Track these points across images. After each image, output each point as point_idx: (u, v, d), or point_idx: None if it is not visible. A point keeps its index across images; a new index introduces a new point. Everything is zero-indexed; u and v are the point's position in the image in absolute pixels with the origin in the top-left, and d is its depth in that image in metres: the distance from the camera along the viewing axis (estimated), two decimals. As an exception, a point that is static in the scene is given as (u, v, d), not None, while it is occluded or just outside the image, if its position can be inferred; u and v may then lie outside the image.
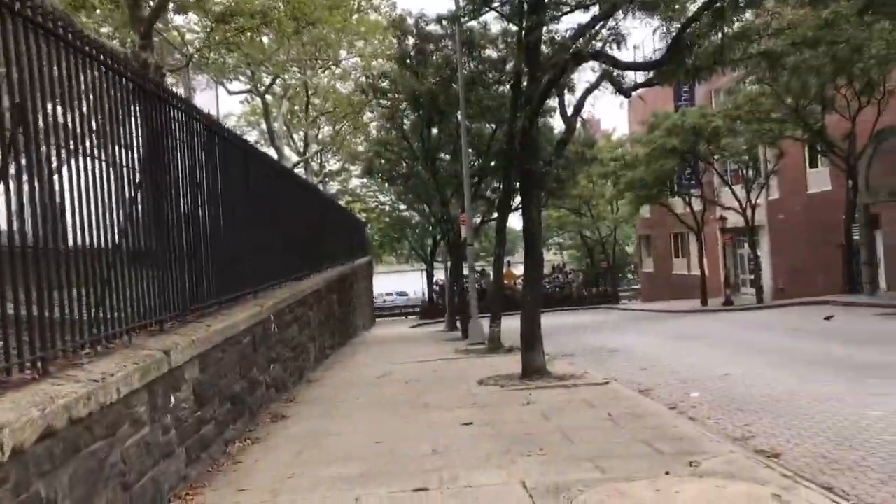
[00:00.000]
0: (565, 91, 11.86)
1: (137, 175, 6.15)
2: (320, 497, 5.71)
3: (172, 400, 6.05)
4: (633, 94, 12.65)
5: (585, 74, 29.97)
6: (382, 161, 24.95)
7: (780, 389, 9.90)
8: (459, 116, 22.59)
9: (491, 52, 21.12)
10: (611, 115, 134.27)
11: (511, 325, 17.36)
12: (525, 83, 12.50)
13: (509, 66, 21.13)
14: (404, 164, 25.47)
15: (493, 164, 24.24)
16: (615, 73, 12.12)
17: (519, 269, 55.51)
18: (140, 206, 6.22)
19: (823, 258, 30.42)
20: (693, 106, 34.43)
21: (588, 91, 11.59)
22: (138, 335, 6.12)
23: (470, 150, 22.28)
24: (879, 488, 5.55)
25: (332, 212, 22.84)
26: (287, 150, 38.68)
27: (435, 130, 23.46)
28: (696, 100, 37.38)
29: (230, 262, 9.39)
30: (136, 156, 6.18)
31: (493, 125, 22.84)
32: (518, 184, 11.04)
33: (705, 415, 8.71)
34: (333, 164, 45.39)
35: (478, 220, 29.60)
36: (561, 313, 39.45)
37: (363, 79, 24.62)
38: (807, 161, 31.66)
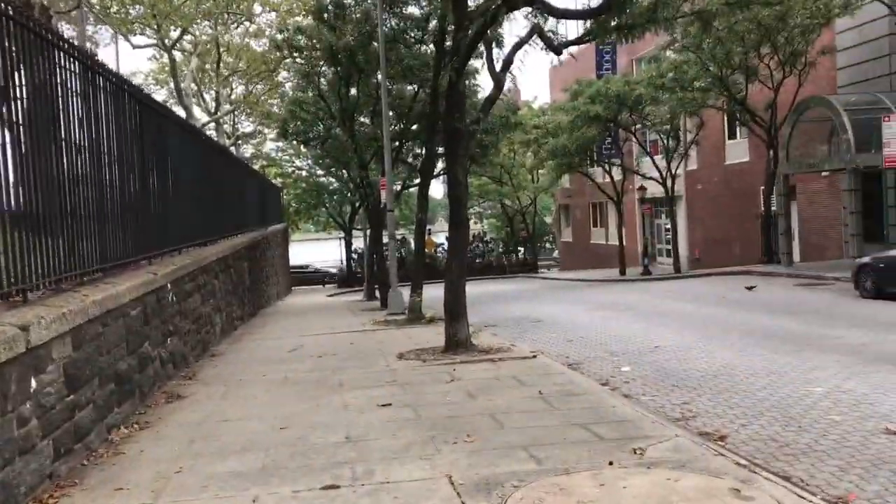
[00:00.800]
0: (493, 46, 11.01)
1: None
2: (211, 497, 4.85)
3: (33, 384, 5.04)
4: (564, 51, 11.95)
5: (515, 27, 29.19)
6: (298, 122, 23.66)
7: (716, 363, 9.49)
8: (380, 76, 21.58)
9: (413, 9, 20.10)
10: (532, 84, 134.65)
11: (431, 294, 16.66)
12: (451, 36, 11.63)
13: (433, 25, 20.20)
14: (321, 126, 24.27)
15: (414, 127, 23.32)
16: (546, 30, 11.41)
17: (439, 238, 54.91)
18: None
19: (740, 229, 30.84)
20: (615, 75, 34.21)
21: (518, 45, 10.82)
22: (-9, 307, 5.10)
23: (391, 112, 21.31)
24: (840, 477, 5.06)
25: (243, 175, 21.54)
26: (197, 111, 36.68)
27: (354, 91, 22.34)
28: (617, 69, 37.22)
29: (120, 225, 8.30)
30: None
31: (415, 86, 21.87)
32: (443, 145, 10.18)
33: (640, 392, 8.19)
34: (247, 127, 43.47)
35: (398, 186, 28.68)
36: (482, 282, 39.05)
37: (278, 35, 23.12)
38: (726, 132, 31.91)
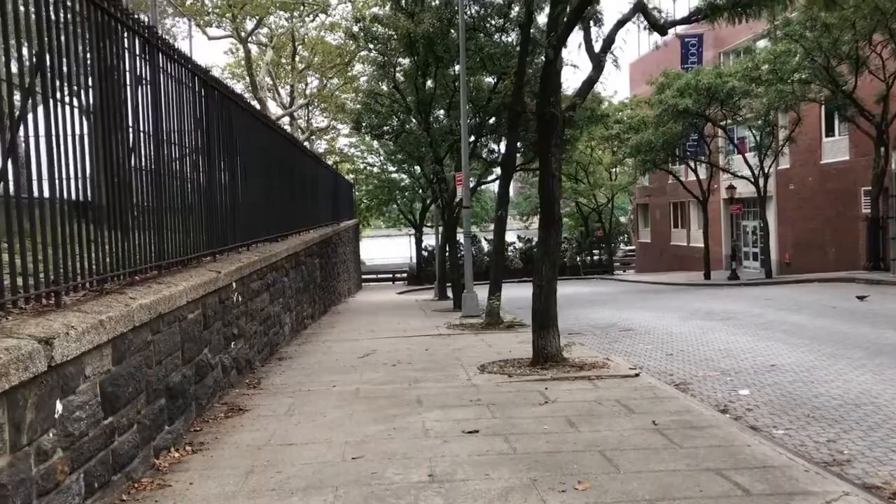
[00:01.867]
0: (591, 23, 9.87)
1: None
2: (268, 557, 3.90)
3: (58, 409, 4.19)
4: (670, 31, 10.74)
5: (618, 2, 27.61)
6: (372, 115, 22.88)
7: (852, 389, 8.15)
8: (458, 67, 20.59)
9: (495, -4, 19.04)
10: (611, 80, 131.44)
11: (505, 294, 15.58)
12: (540, 16, 10.52)
13: (515, 12, 19.10)
14: (395, 120, 23.42)
15: (491, 121, 22.27)
16: (651, 7, 10.23)
17: (508, 236, 53.77)
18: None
19: (836, 232, 28.77)
20: (700, 68, 32.39)
21: (620, 23, 9.68)
22: (16, 313, 4.28)
23: (468, 105, 20.30)
24: None
25: (316, 168, 20.87)
26: (272, 105, 36.49)
27: (430, 84, 21.42)
28: (703, 62, 35.35)
29: (181, 218, 7.52)
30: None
31: (493, 78, 20.80)
32: (536, 133, 9.09)
33: (770, 423, 6.96)
34: (321, 122, 43.14)
35: (473, 182, 27.68)
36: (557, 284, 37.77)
37: (354, 26, 22.36)
38: (822, 129, 29.82)
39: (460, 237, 21.85)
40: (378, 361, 10.19)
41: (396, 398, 7.62)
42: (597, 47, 9.68)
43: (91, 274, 5.22)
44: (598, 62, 9.36)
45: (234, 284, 8.78)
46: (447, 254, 22.73)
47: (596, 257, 49.23)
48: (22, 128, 4.47)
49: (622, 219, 62.35)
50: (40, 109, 4.72)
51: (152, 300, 5.72)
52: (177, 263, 7.41)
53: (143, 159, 6.50)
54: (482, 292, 17.54)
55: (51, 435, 4.08)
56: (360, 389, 8.16)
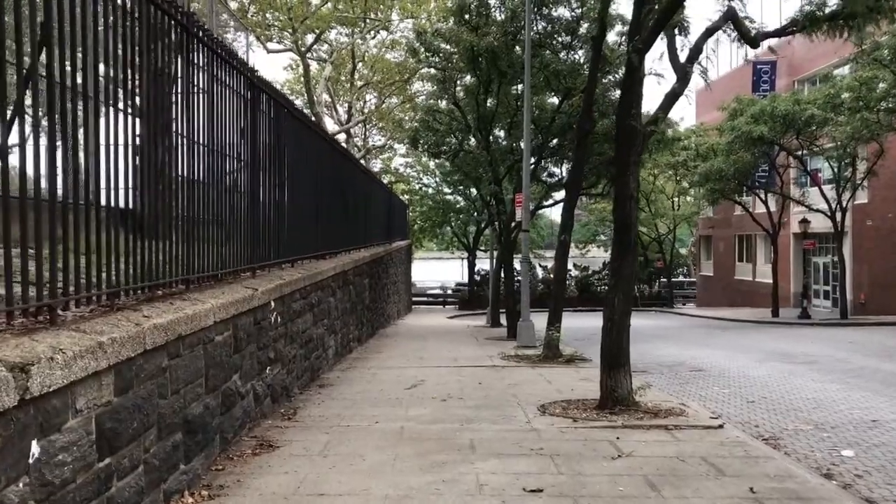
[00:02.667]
0: (676, 31, 8.93)
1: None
2: None
3: (34, 451, 3.40)
4: (761, 44, 9.73)
5: (705, 8, 26.60)
6: (430, 133, 22.17)
7: (983, 459, 6.96)
8: (521, 86, 19.80)
9: (564, 11, 18.21)
10: (676, 107, 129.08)
11: (562, 324, 14.55)
12: (618, 26, 9.62)
13: (584, 29, 18.25)
14: (454, 138, 22.68)
15: (553, 142, 21.36)
16: (742, 16, 9.25)
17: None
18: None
19: (919, 273, 26.97)
20: (772, 95, 30.98)
21: (709, 32, 8.72)
22: (-4, 332, 3.54)
23: (530, 125, 19.45)
24: None
25: (370, 185, 20.22)
26: (329, 122, 36.22)
27: (490, 102, 20.64)
28: (776, 90, 33.90)
29: (217, 229, 6.81)
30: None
31: (558, 97, 19.92)
32: (615, 149, 8.16)
33: (887, 494, 5.84)
34: (377, 140, 42.78)
35: (532, 205, 26.74)
36: (611, 314, 36.39)
37: (415, 42, 21.75)
38: (906, 162, 28.10)
39: (516, 262, 20.95)
40: (426, 395, 9.29)
41: (446, 441, 6.71)
42: (682, 57, 8.73)
43: (98, 286, 4.47)
44: (683, 73, 8.40)
45: (272, 304, 8.02)
46: (502, 279, 21.80)
47: (655, 289, 47.60)
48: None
49: (682, 250, 60.52)
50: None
51: (171, 319, 4.95)
52: (209, 278, 6.68)
53: (175, 161, 5.80)
54: (537, 321, 16.57)
55: (20, 485, 3.28)
56: (405, 428, 7.26)
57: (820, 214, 29.07)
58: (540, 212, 37.48)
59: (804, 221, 28.73)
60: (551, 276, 44.08)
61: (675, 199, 45.47)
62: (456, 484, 5.41)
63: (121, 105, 4.82)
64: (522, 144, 21.75)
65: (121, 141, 4.80)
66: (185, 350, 5.32)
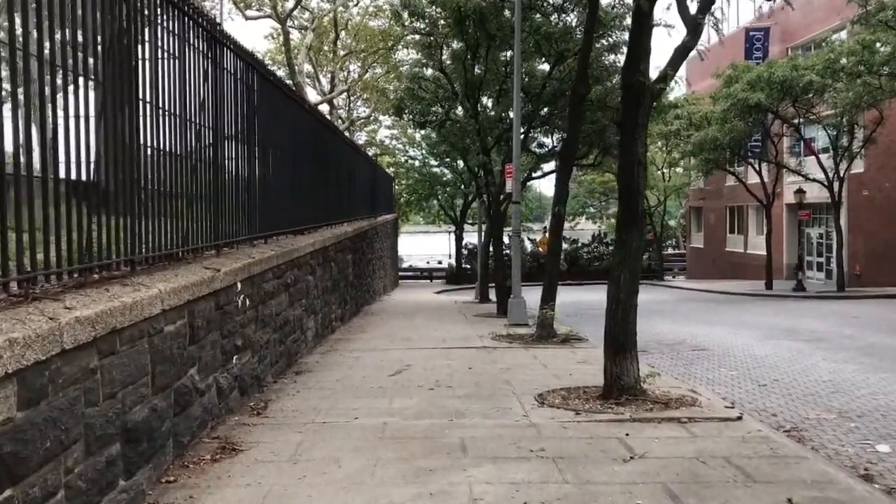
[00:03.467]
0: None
1: None
2: None
3: None
4: (733, 24, 8.82)
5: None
6: (415, 102, 21.16)
7: None
8: (510, 52, 18.88)
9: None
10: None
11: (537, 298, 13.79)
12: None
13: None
14: (440, 107, 21.71)
15: (544, 111, 20.43)
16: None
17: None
18: None
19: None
20: (764, 62, 30.10)
21: (722, -21, 7.80)
22: None
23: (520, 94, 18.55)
24: None
25: (353, 157, 19.29)
26: (312, 93, 35.09)
27: (478, 69, 19.68)
28: (769, 57, 33.00)
29: (171, 203, 5.98)
30: None
31: (549, 62, 18.98)
32: (621, 108, 7.30)
33: (940, 502, 5.11)
34: (361, 111, 41.72)
35: (522, 176, 25.87)
36: (602, 287, 35.65)
37: (399, 5, 20.69)
38: (904, 130, 27.39)
39: (506, 236, 20.17)
40: (412, 382, 8.50)
41: (434, 441, 5.92)
42: (692, 8, 7.85)
43: (4, 272, 3.62)
44: (694, 25, 7.54)
45: (239, 285, 7.17)
46: (491, 253, 21.01)
47: (645, 262, 46.96)
48: None
49: (671, 222, 59.90)
50: None
51: (101, 310, 4.10)
52: (164, 258, 5.84)
53: (114, 121, 4.92)
54: (527, 296, 15.83)
55: None
56: (389, 425, 6.46)
57: (814, 185, 28.41)
58: (528, 184, 36.64)
59: (800, 191, 28.02)
60: (539, 249, 43.42)
61: (665, 171, 44.64)
62: (446, 498, 4.62)
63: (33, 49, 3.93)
64: (512, 113, 20.91)
65: (35, 90, 3.91)
66: (124, 346, 4.48)
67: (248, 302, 7.56)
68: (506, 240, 20.13)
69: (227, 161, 7.73)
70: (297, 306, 10.29)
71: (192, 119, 6.52)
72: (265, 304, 8.36)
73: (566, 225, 57.13)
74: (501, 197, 19.46)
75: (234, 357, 7.09)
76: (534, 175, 24.76)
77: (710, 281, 39.52)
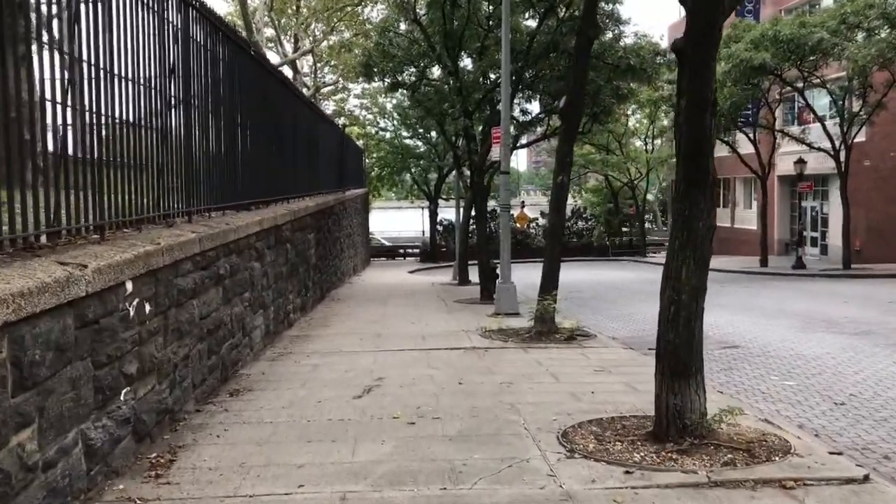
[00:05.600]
0: None
1: None
2: None
3: None
4: None
5: None
6: (385, 60, 18.70)
7: None
8: (492, 4, 16.59)
9: None
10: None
11: (529, 277, 11.64)
12: None
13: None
14: (414, 67, 19.30)
15: (528, 73, 18.11)
16: None
17: (530, 212, 49.26)
18: None
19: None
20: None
21: None
22: None
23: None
24: None
25: (318, 124, 16.91)
26: (274, 58, 32.34)
27: (458, 18, 17.31)
28: (760, 20, 30.91)
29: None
30: None
31: (539, 12, 16.70)
32: (689, 37, 4.97)
33: None
34: (329, 78, 39.07)
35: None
36: (584, 265, 33.77)
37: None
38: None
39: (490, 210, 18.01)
40: (385, 409, 6.28)
41: (421, 538, 3.71)
42: None
43: None
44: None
45: (129, 286, 4.88)
46: (473, 230, 18.82)
47: (626, 238, 45.07)
48: None
49: (649, 196, 58.06)
50: None
51: None
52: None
53: None
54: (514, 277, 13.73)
55: None
56: (348, 502, 4.24)
57: (811, 155, 26.50)
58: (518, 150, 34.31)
59: (800, 161, 26.09)
60: (517, 225, 41.25)
61: (649, 142, 42.61)
62: None
63: None
64: (494, 75, 18.65)
65: None
66: None
67: (148, 308, 5.27)
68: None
69: (120, 107, 5.41)
70: (236, 303, 8.01)
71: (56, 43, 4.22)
72: (182, 307, 6.07)
73: (542, 201, 54.93)
74: (485, 166, 17.21)
75: (124, 391, 4.82)
76: (518, 144, 22.50)
77: (697, 257, 37.70)
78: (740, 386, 8.16)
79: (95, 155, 4.95)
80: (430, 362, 8.46)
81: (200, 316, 6.63)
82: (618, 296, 19.21)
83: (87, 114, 4.81)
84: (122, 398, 4.80)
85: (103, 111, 5.02)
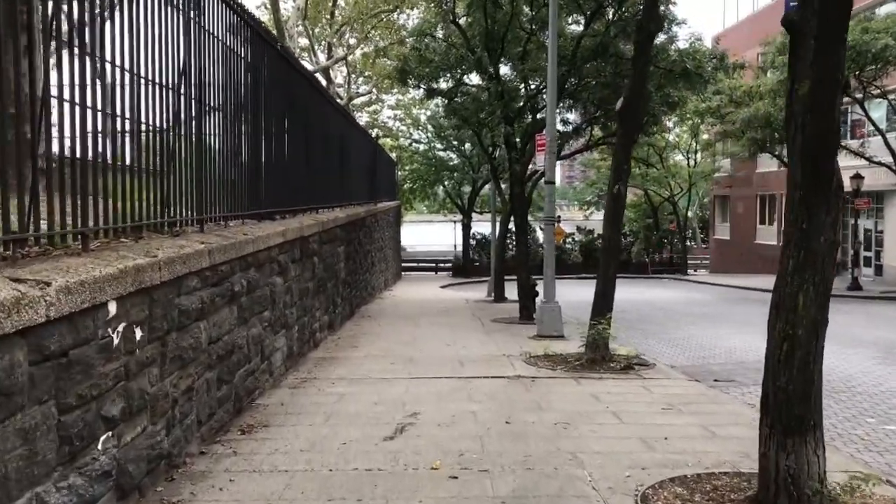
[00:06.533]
0: None
1: None
2: None
3: None
4: None
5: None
6: (422, 65, 17.80)
7: None
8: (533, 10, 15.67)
9: None
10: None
11: (565, 295, 10.56)
12: None
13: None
14: (450, 74, 18.39)
15: (571, 81, 17.06)
16: None
17: (566, 227, 48.08)
18: None
19: None
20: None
21: None
22: None
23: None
24: None
25: (348, 131, 16.07)
26: (306, 66, 31.75)
27: (501, 16, 16.34)
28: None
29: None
30: None
31: (586, 14, 15.70)
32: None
33: None
34: (362, 87, 38.40)
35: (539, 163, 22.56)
36: (623, 282, 32.17)
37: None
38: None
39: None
40: (420, 456, 5.29)
41: None
42: None
43: None
44: None
45: (111, 308, 3.97)
46: (513, 244, 17.78)
47: (665, 255, 43.65)
48: None
49: (689, 212, 56.57)
50: None
51: None
52: None
53: None
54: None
55: None
56: None
57: (866, 170, 25.03)
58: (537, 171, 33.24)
59: (857, 177, 24.67)
60: (555, 240, 40.09)
61: (691, 156, 41.25)
62: None
63: None
64: (533, 84, 17.70)
65: None
66: None
67: (139, 333, 4.36)
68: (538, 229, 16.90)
69: (113, 100, 4.53)
70: (254, 323, 7.09)
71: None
72: (185, 331, 5.16)
73: (582, 215, 53.71)
74: (526, 176, 16.22)
75: (103, 438, 3.90)
76: (560, 155, 21.43)
77: (740, 276, 36.20)
78: (832, 430, 7.05)
79: (78, 150, 4.07)
80: (470, 394, 7.46)
81: (209, 340, 5.72)
82: (665, 317, 18.02)
83: (65, 103, 3.92)
84: (99, 447, 3.87)
85: (87, 102, 4.13)
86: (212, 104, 6.49)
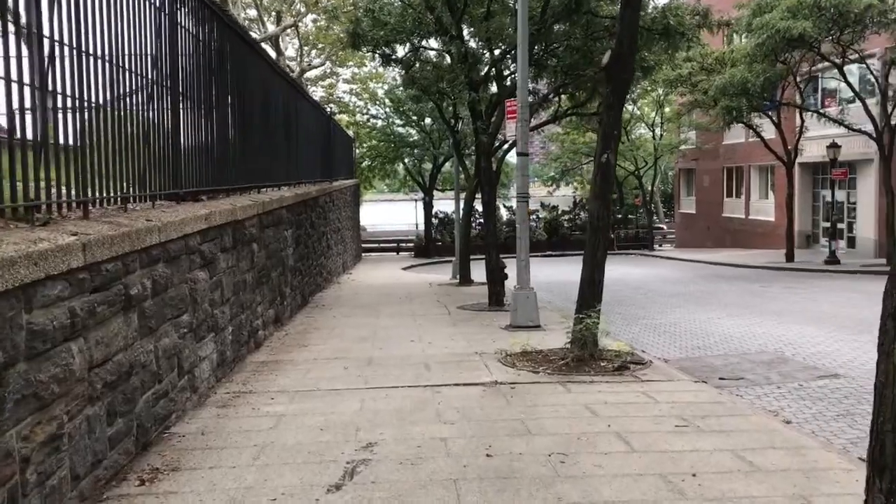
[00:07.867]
0: None
1: None
2: None
3: None
4: None
5: None
6: (376, 28, 16.19)
7: None
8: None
9: None
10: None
11: (537, 277, 9.28)
12: None
13: None
14: (407, 38, 16.81)
15: (539, 46, 15.61)
16: None
17: (532, 204, 46.82)
18: None
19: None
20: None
21: None
22: None
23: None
24: None
25: (298, 103, 14.49)
26: (254, 37, 29.81)
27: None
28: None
29: None
30: None
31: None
32: None
33: None
34: (315, 60, 36.56)
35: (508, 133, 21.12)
36: (591, 260, 31.27)
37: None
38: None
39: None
40: (378, 518, 3.90)
41: None
42: None
43: None
44: None
45: None
46: (481, 222, 16.39)
47: (631, 230, 42.71)
48: None
49: (653, 187, 55.76)
50: None
51: None
52: None
53: None
54: (512, 272, 11.50)
55: None
56: None
57: (867, 136, 23.97)
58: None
59: (833, 146, 23.73)
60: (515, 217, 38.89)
61: (655, 128, 40.20)
62: None
63: None
64: (497, 50, 16.27)
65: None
66: None
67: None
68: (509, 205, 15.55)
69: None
70: (166, 332, 5.61)
71: None
72: (41, 359, 3.69)
73: (546, 191, 52.74)
74: (494, 149, 14.81)
75: None
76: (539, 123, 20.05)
77: (708, 250, 35.40)
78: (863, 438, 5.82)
79: None
80: (439, 411, 6.09)
81: (91, 364, 4.25)
82: (643, 299, 16.85)
83: None
84: None
85: None
86: (99, 53, 4.95)
